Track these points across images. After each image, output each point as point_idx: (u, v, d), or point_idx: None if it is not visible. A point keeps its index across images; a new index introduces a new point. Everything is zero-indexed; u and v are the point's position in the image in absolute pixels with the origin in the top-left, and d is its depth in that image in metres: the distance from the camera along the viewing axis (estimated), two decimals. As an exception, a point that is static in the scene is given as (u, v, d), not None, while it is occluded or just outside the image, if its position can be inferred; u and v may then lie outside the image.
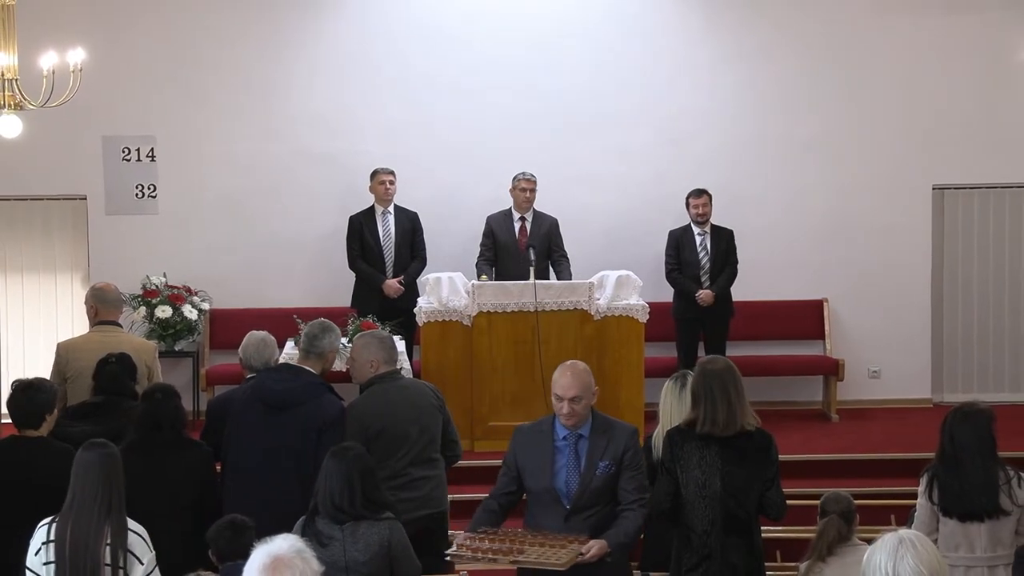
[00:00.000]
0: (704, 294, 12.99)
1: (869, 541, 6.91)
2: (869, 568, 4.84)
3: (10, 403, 7.97)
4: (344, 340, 12.14)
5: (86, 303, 9.89)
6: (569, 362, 7.34)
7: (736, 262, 13.20)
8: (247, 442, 7.91)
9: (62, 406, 8.82)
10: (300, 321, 10.45)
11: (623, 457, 7.08)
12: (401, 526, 6.78)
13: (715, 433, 7.16)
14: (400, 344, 10.58)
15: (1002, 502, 7.19)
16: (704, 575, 6.88)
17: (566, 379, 7.11)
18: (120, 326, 9.78)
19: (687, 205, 13.20)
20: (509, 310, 12.13)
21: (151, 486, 7.43)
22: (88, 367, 9.05)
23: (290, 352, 11.02)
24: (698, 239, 13.17)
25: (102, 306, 9.79)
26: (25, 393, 7.93)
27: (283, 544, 4.79)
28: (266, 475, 7.77)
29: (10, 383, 8.25)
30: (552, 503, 7.04)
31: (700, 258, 13.14)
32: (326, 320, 8.51)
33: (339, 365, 11.95)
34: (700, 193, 13.17)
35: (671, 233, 13.27)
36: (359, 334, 9.14)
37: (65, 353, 9.50)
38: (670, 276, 13.19)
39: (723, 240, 13.20)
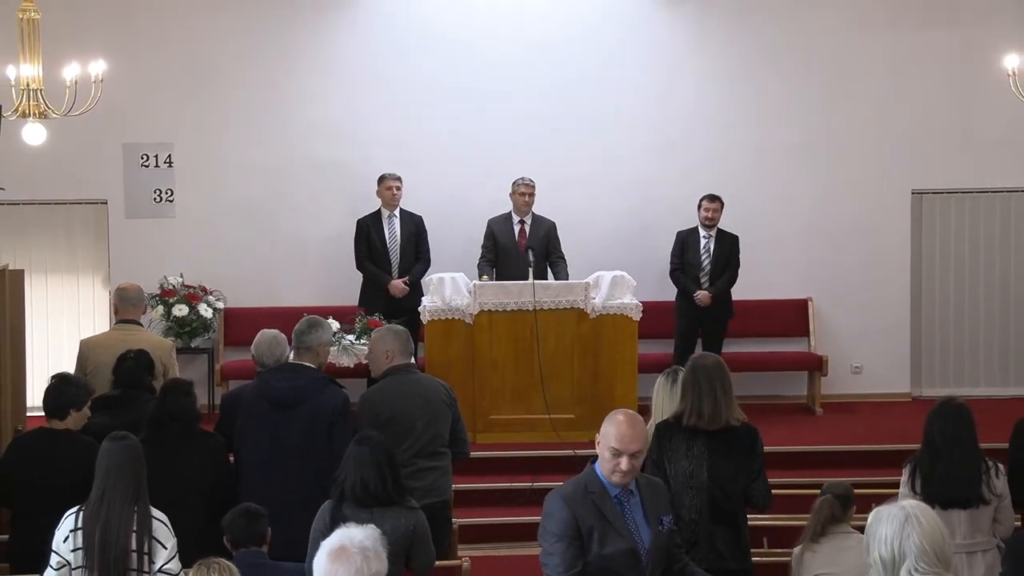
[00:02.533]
0: (702, 295, 12.99)
1: (861, 530, 6.93)
2: (874, 539, 4.78)
3: (45, 392, 8.02)
4: (351, 337, 12.21)
5: (111, 302, 9.90)
6: (623, 412, 6.16)
7: (737, 266, 13.18)
8: (259, 440, 7.92)
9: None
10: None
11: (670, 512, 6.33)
12: (424, 516, 6.77)
13: (700, 426, 7.18)
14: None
15: (983, 492, 7.19)
16: (691, 561, 6.86)
17: (629, 431, 5.99)
18: (139, 324, 9.78)
19: (698, 207, 13.18)
20: (509, 309, 12.13)
21: (167, 476, 7.42)
22: (106, 363, 9.07)
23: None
24: (702, 241, 13.16)
25: (123, 305, 9.81)
26: (56, 385, 8.00)
27: (357, 535, 4.79)
28: (279, 469, 7.78)
29: (40, 377, 8.28)
30: (630, 566, 6.01)
31: (702, 260, 13.13)
32: (313, 316, 8.50)
33: (347, 361, 12.08)
34: (714, 198, 13.15)
35: (678, 234, 13.27)
36: (376, 328, 9.13)
37: (86, 350, 9.52)
38: (672, 275, 13.20)
39: (727, 244, 13.18)
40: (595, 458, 6.18)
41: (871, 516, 4.82)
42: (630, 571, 5.94)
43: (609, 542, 5.92)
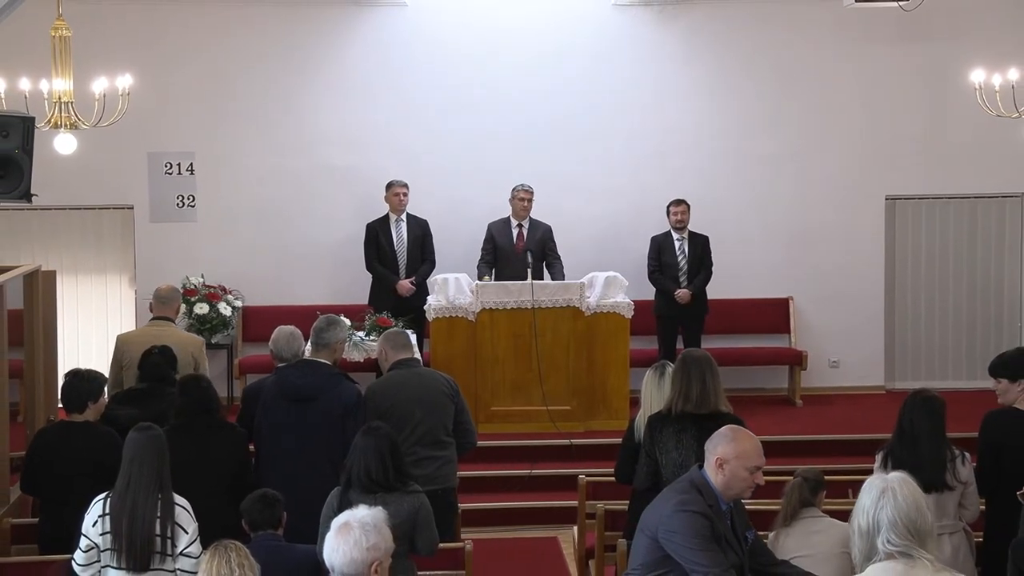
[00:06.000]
0: (682, 293, 12.99)
1: (832, 514, 6.94)
2: (857, 508, 4.78)
3: (62, 389, 8.04)
4: (361, 334, 12.21)
5: (137, 301, 9.91)
6: (740, 429, 5.92)
7: (711, 264, 13.21)
8: (278, 432, 7.95)
9: (119, 392, 8.87)
10: (323, 317, 10.45)
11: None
12: (427, 499, 6.77)
13: (688, 410, 7.17)
14: (412, 337, 10.58)
15: (947, 478, 7.20)
16: None
17: (758, 446, 5.76)
18: (171, 321, 9.76)
19: (668, 213, 13.22)
20: (509, 307, 12.15)
21: (194, 465, 7.44)
22: (138, 357, 9.09)
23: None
24: (677, 244, 13.17)
25: (156, 303, 9.83)
26: (71, 381, 8.03)
27: (360, 513, 4.88)
28: (299, 460, 7.81)
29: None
30: None
31: (679, 261, 13.14)
32: (331, 315, 8.57)
33: (357, 356, 12.09)
34: (680, 202, 13.19)
35: (653, 239, 13.28)
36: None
37: (122, 344, 9.54)
38: (652, 277, 13.19)
39: (699, 245, 13.21)
40: (689, 474, 5.85)
41: (863, 488, 4.82)
42: None
43: (726, 555, 5.61)
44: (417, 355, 9.24)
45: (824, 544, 6.64)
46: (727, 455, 5.67)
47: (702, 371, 7.25)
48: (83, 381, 8.03)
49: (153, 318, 9.79)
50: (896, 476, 4.81)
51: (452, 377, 8.56)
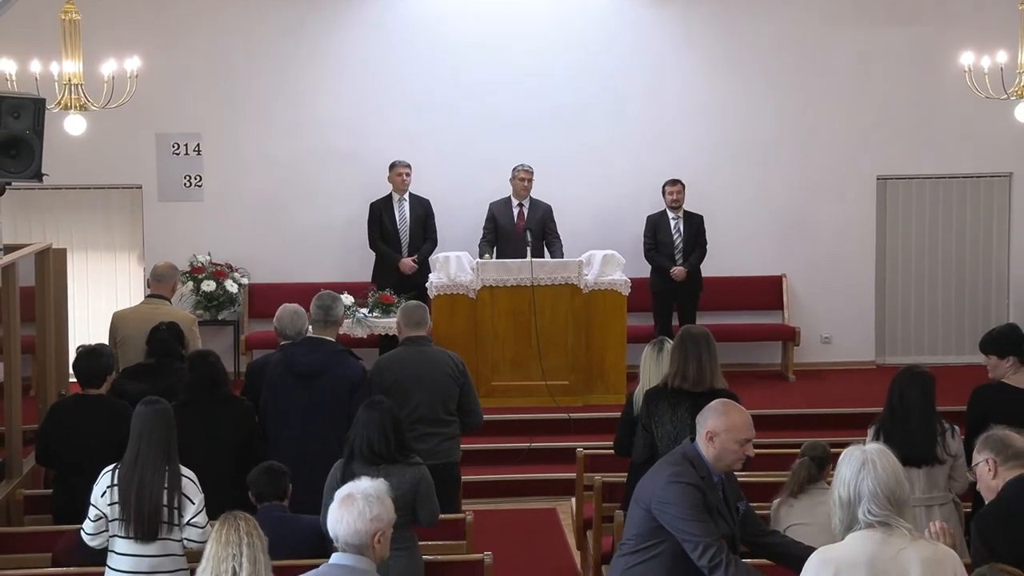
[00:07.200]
0: (677, 271, 12.99)
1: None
2: (837, 478, 4.81)
3: (75, 365, 8.05)
4: (364, 311, 12.21)
5: (145, 278, 9.92)
6: (731, 402, 5.92)
7: (705, 243, 13.22)
8: (285, 411, 7.95)
9: (127, 367, 8.88)
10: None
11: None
12: (428, 470, 6.75)
13: (685, 387, 7.18)
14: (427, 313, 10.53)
15: (938, 452, 7.20)
16: None
17: (750, 419, 5.76)
18: (166, 299, 9.71)
19: (663, 192, 13.22)
20: (509, 285, 12.15)
21: (202, 437, 7.45)
22: (132, 334, 9.14)
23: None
24: (672, 223, 13.17)
25: (153, 281, 9.85)
26: (89, 357, 8.04)
27: (363, 484, 4.90)
28: (307, 435, 7.82)
29: (76, 348, 8.31)
30: (729, 549, 5.61)
31: (674, 239, 13.14)
32: (330, 291, 8.49)
33: (360, 332, 12.09)
34: (675, 182, 13.19)
35: (649, 218, 13.27)
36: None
37: (117, 321, 9.56)
38: (647, 255, 13.19)
39: (694, 224, 13.21)
40: (682, 446, 5.84)
41: (839, 461, 4.84)
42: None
43: (718, 525, 5.59)
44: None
45: (827, 514, 6.64)
46: (717, 428, 5.68)
47: (699, 351, 7.26)
48: (99, 356, 8.07)
49: (148, 295, 9.81)
50: (874, 447, 4.85)
51: (461, 357, 8.49)
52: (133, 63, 11.33)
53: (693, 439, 5.79)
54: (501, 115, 13.88)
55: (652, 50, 14.06)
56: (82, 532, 6.58)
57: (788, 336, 13.82)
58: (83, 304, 13.48)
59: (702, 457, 5.68)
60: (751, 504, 6.11)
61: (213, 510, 6.17)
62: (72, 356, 8.59)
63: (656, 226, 13.20)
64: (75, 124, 11.20)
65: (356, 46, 13.91)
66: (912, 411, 7.22)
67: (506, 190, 13.18)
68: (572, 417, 11.87)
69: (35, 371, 9.85)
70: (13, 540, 7.56)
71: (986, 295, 14.56)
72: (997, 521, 5.49)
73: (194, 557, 6.00)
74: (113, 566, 6.46)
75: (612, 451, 8.24)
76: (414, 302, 8.72)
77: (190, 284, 13.37)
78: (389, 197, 13.21)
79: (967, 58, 12.09)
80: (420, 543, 6.83)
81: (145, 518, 6.38)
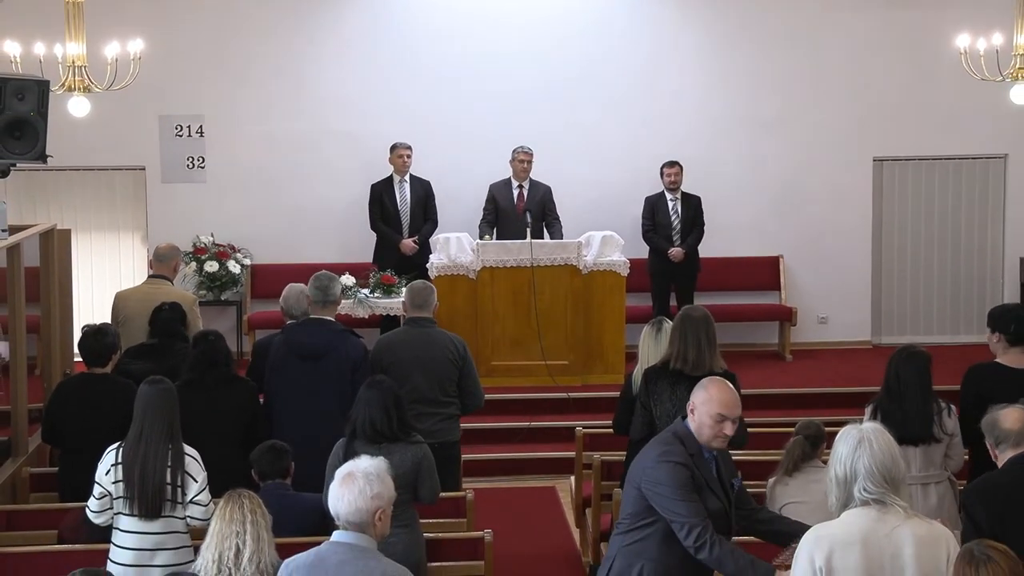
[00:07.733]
0: (675, 251, 12.99)
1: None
2: (834, 456, 4.82)
3: (81, 345, 8.05)
4: (365, 291, 12.21)
5: (149, 259, 9.92)
6: (719, 380, 5.82)
7: (703, 224, 13.20)
8: (289, 389, 7.95)
9: (131, 347, 8.87)
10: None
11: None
12: (429, 449, 6.76)
13: (685, 371, 7.20)
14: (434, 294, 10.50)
15: (934, 430, 7.21)
16: None
17: (732, 397, 5.66)
18: (167, 279, 9.72)
19: (661, 174, 13.21)
20: (509, 265, 12.14)
21: (205, 417, 7.45)
22: (134, 314, 9.15)
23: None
24: (670, 204, 13.16)
25: (155, 262, 9.89)
26: (95, 337, 8.04)
27: (363, 463, 4.91)
28: (312, 415, 7.81)
29: (81, 328, 8.32)
30: (721, 526, 5.63)
31: (672, 220, 13.13)
32: (327, 271, 8.44)
33: (362, 312, 12.09)
34: (673, 164, 13.18)
35: (647, 199, 13.26)
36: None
37: (119, 301, 9.57)
38: (646, 236, 13.18)
39: (692, 205, 13.20)
40: (673, 425, 5.84)
41: (836, 440, 4.85)
42: (720, 530, 5.56)
43: (708, 502, 5.57)
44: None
45: (821, 493, 6.66)
46: (696, 402, 5.67)
47: (698, 334, 7.27)
48: (104, 336, 8.08)
49: (150, 275, 9.82)
50: (870, 426, 4.86)
51: (463, 340, 8.47)
52: (136, 45, 11.31)
53: (685, 417, 5.78)
54: (502, 97, 13.86)
55: (651, 31, 14.03)
56: (87, 510, 6.60)
57: (785, 316, 13.82)
58: (87, 284, 13.49)
59: (692, 434, 5.67)
60: (744, 482, 6.11)
61: (216, 489, 6.18)
62: (77, 336, 8.59)
63: (654, 207, 13.19)
64: (79, 106, 11.20)
65: (358, 28, 13.88)
66: (908, 390, 7.23)
67: (506, 172, 13.17)
68: (571, 396, 11.87)
69: (40, 351, 9.87)
70: (19, 517, 7.60)
71: (981, 275, 14.55)
72: (979, 497, 5.57)
73: (198, 535, 6.03)
74: (117, 543, 6.47)
75: (611, 430, 8.26)
76: (422, 282, 8.71)
77: (193, 265, 13.37)
78: (390, 178, 13.19)
79: (963, 40, 12.06)
80: (421, 521, 6.85)
81: (149, 496, 6.40)
